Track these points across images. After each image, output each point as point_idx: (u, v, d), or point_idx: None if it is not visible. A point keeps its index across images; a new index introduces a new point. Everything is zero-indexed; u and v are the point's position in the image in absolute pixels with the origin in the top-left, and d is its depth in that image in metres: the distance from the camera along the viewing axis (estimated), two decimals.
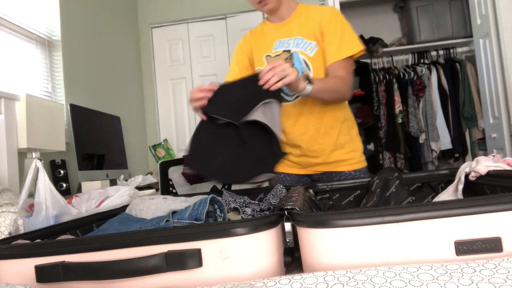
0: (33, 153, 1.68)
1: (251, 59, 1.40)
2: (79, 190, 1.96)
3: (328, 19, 1.26)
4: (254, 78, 0.93)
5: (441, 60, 3.47)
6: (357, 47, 1.24)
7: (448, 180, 0.90)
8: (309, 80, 1.07)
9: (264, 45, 1.35)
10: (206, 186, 1.50)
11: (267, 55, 1.33)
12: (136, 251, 0.48)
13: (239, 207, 0.76)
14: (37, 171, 0.87)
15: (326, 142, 1.30)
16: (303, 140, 1.30)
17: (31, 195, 0.88)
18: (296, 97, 1.29)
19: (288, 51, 1.29)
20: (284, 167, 1.38)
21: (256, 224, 0.47)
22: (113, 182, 2.18)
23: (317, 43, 1.26)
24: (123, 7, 3.10)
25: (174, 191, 1.33)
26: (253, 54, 1.39)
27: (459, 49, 3.47)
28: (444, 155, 3.34)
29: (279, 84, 0.91)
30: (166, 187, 1.30)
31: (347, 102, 1.39)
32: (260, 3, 1.26)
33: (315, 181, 1.22)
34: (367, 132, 3.74)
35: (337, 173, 1.32)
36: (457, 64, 3.34)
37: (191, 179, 1.45)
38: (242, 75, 1.27)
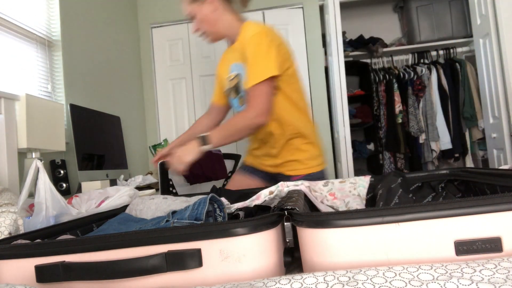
0: (33, 153, 1.68)
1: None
2: (79, 190, 1.96)
3: (246, 44, 1.27)
4: None
5: (441, 60, 3.46)
6: (261, 76, 1.20)
7: (448, 180, 0.90)
8: (204, 141, 1.18)
9: (224, 68, 1.45)
10: (206, 186, 1.50)
11: (227, 77, 1.43)
12: (136, 251, 0.48)
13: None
14: (37, 171, 0.87)
15: None
16: None
17: (31, 195, 0.88)
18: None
19: (239, 74, 1.35)
20: None
21: (256, 224, 0.47)
22: (113, 182, 2.18)
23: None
24: (123, 7, 3.10)
25: (174, 191, 1.33)
26: (219, 76, 1.54)
27: (459, 49, 3.47)
28: (444, 155, 3.34)
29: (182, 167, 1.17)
30: (166, 187, 1.30)
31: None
32: (201, 36, 1.41)
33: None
34: (367, 132, 3.74)
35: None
36: (457, 64, 3.34)
37: (191, 179, 1.45)
38: (222, 94, 1.51)
